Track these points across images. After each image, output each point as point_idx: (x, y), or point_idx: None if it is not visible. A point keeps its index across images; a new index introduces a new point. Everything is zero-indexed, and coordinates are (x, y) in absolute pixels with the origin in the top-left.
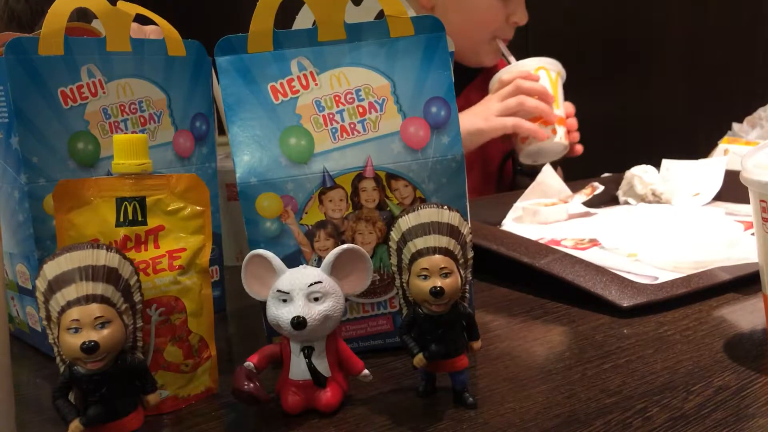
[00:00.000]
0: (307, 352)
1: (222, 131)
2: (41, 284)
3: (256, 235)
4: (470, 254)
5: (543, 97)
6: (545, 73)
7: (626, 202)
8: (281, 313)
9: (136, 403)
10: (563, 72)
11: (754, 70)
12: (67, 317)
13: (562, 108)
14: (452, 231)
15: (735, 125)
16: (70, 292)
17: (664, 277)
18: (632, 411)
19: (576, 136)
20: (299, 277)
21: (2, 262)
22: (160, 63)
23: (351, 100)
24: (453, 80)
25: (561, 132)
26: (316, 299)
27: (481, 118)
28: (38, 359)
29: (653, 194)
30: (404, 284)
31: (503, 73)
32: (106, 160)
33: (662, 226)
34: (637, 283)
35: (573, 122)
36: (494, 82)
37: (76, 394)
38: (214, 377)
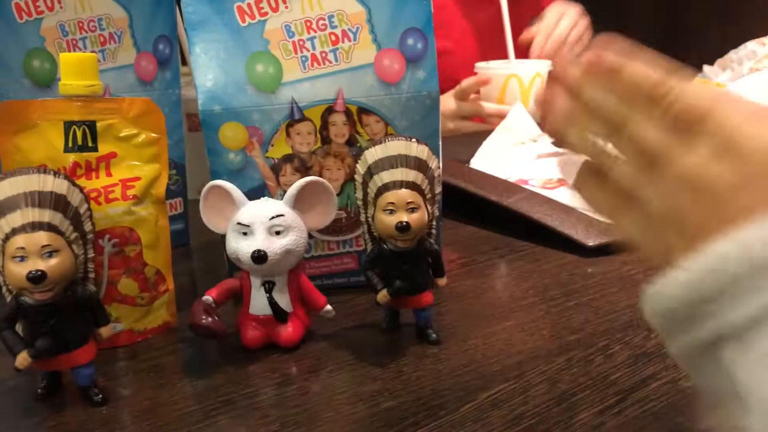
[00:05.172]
0: (268, 286)
1: (184, 61)
2: None
3: (218, 166)
4: (438, 189)
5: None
6: (540, 81)
7: None
8: (241, 247)
9: (88, 336)
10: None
11: (728, 13)
12: (12, 245)
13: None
14: (420, 165)
15: (706, 67)
16: (15, 219)
17: None
18: (594, 348)
19: None
20: (260, 210)
21: None
22: None
23: (323, 27)
24: (432, 11)
25: None
26: (277, 233)
27: None
28: None
29: None
30: (369, 219)
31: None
32: None
33: None
34: (603, 222)
35: None
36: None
37: (24, 326)
38: (172, 311)
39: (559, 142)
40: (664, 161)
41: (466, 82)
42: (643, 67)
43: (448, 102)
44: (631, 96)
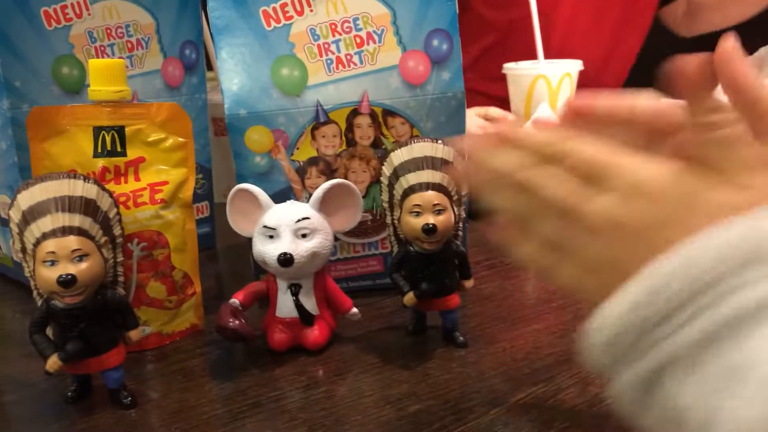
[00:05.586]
0: (295, 289)
1: (209, 66)
2: (15, 215)
3: (244, 170)
4: (465, 191)
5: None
6: (569, 82)
7: None
8: (267, 250)
9: (117, 339)
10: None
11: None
12: (42, 249)
13: None
14: (447, 166)
15: None
16: (46, 224)
17: None
18: None
19: None
20: (286, 213)
21: None
22: None
23: (348, 30)
24: (457, 11)
25: None
26: (303, 235)
27: None
28: (21, 293)
29: None
30: (395, 221)
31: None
32: None
33: None
34: None
35: None
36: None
37: (54, 329)
38: (199, 314)
39: None
40: (579, 209)
41: (493, 111)
42: (545, 131)
43: (471, 117)
44: (536, 156)
